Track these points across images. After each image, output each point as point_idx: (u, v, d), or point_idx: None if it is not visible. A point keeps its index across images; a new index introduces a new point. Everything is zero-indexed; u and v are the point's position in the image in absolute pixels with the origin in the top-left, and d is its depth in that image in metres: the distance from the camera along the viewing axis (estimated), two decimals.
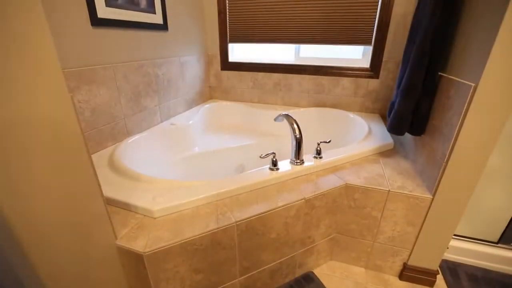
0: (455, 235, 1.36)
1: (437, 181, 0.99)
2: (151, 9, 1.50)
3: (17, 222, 0.53)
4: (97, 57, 1.23)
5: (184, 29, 1.84)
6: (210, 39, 2.14)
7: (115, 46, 1.31)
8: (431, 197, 1.02)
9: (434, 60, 1.03)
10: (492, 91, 0.81)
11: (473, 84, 0.82)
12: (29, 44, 0.50)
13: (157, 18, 1.56)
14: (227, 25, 2.06)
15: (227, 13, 2.02)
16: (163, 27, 1.62)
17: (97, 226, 0.73)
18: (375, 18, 1.72)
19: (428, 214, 1.05)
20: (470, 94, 0.83)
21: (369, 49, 1.84)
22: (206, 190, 0.97)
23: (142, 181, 1.03)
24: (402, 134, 1.19)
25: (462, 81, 0.89)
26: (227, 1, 1.99)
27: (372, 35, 1.76)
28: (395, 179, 1.12)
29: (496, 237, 1.30)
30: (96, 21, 1.19)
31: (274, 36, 1.96)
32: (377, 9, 1.69)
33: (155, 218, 0.88)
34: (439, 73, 1.07)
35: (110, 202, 0.94)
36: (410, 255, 1.16)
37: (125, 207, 0.92)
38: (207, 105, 2.10)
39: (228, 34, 2.07)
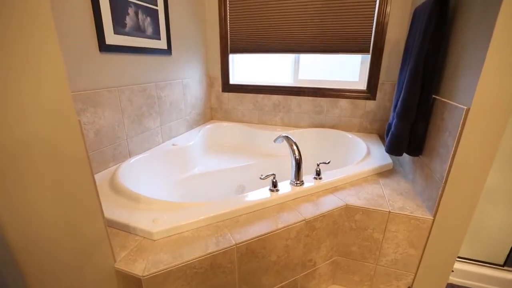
0: (459, 257, 1.33)
1: (437, 202, 0.99)
2: (156, 35, 1.58)
3: (15, 240, 0.53)
4: (103, 81, 1.27)
5: (187, 53, 1.92)
6: (212, 62, 2.22)
7: (121, 70, 1.36)
8: (432, 218, 1.01)
9: (427, 83, 1.07)
10: (485, 113, 0.84)
11: (465, 107, 0.85)
12: (42, 71, 0.53)
13: (162, 44, 1.64)
14: (228, 48, 2.15)
15: (229, 34, 2.12)
16: (167, 52, 1.69)
17: (97, 249, 0.73)
18: (372, 27, 1.77)
19: (430, 235, 1.04)
20: (463, 116, 0.86)
21: (366, 71, 1.91)
22: (206, 211, 0.97)
23: (142, 202, 1.03)
24: (400, 155, 1.20)
25: (455, 104, 0.92)
26: (228, 27, 2.09)
27: (370, 43, 1.81)
28: (395, 199, 1.12)
29: (501, 260, 1.28)
30: (104, 47, 1.25)
31: (274, 47, 2.01)
32: (373, 18, 1.75)
33: (154, 240, 0.88)
34: (433, 96, 1.11)
35: (110, 223, 0.93)
36: (414, 278, 1.14)
37: (125, 228, 0.92)
38: (208, 126, 2.14)
39: (228, 48, 2.14)
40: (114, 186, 1.14)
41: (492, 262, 1.29)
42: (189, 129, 2.06)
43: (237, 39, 2.09)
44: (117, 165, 1.37)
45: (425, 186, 1.11)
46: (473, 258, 1.31)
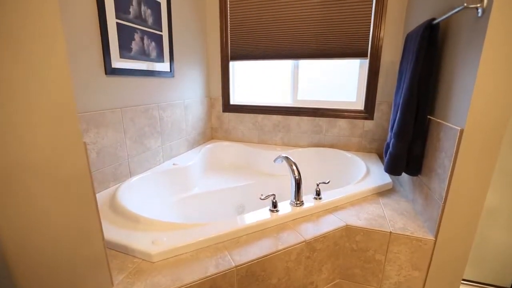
0: (464, 279, 1.30)
1: (438, 222, 0.98)
2: (160, 59, 1.65)
3: (12, 259, 0.53)
4: (108, 102, 1.31)
5: (189, 75, 1.98)
6: (213, 83, 2.29)
7: (125, 92, 1.41)
8: (434, 239, 1.01)
9: (421, 105, 1.11)
10: (479, 134, 0.86)
11: (459, 128, 0.88)
12: (51, 96, 0.55)
13: (165, 66, 1.70)
14: (229, 61, 2.22)
15: (229, 54, 2.20)
16: (170, 74, 1.75)
17: (94, 271, 0.72)
18: (369, 32, 1.82)
19: (433, 256, 1.03)
20: (458, 137, 0.88)
21: (363, 91, 1.96)
22: (205, 232, 0.96)
23: (142, 223, 1.02)
24: (399, 174, 1.21)
25: (449, 125, 0.95)
26: (229, 49, 2.17)
27: (368, 48, 1.86)
28: (396, 220, 1.12)
29: (508, 282, 1.25)
30: (110, 71, 1.30)
31: (273, 54, 2.06)
32: (370, 23, 1.81)
33: (153, 263, 0.87)
34: (428, 117, 1.14)
35: (108, 244, 0.92)
36: None
37: (124, 250, 0.91)
38: (208, 146, 2.16)
39: (229, 55, 2.19)
40: (114, 206, 1.14)
41: (499, 285, 1.26)
42: (190, 149, 2.08)
43: (237, 46, 2.15)
44: (118, 185, 1.38)
45: (425, 206, 1.11)
46: (479, 281, 1.28)
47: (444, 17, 0.94)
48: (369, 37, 1.83)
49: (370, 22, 1.81)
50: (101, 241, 0.72)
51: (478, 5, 0.79)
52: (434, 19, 1.04)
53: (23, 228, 0.54)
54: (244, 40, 2.11)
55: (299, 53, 2.00)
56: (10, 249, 0.52)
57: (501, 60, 0.79)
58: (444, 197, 0.95)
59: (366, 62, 1.91)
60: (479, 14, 0.80)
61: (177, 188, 1.65)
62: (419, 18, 1.41)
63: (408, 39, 1.29)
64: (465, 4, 0.81)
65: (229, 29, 2.13)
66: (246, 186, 1.84)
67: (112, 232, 0.97)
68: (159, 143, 1.70)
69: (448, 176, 0.93)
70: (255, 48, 2.10)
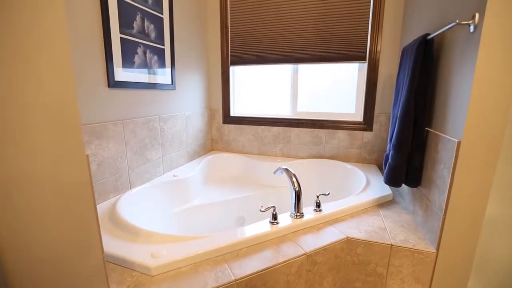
0: None
1: (439, 234, 0.98)
2: (162, 72, 1.68)
3: (10, 267, 0.52)
4: (110, 114, 1.33)
5: (190, 87, 2.02)
6: (214, 95, 2.32)
7: (127, 104, 1.43)
8: (435, 251, 1.00)
9: (419, 117, 1.12)
10: (476, 146, 0.87)
11: (456, 140, 0.89)
12: (55, 109, 0.57)
13: (167, 79, 1.73)
14: (229, 76, 2.26)
15: (229, 54, 2.24)
16: (172, 86, 1.78)
17: (92, 285, 0.71)
18: (367, 36, 1.85)
19: (435, 269, 1.01)
20: (455, 149, 0.89)
21: (361, 103, 1.98)
22: (205, 245, 0.96)
23: (141, 235, 1.02)
24: (399, 186, 1.21)
25: (447, 136, 0.96)
26: (229, 56, 2.22)
27: (366, 51, 1.88)
28: (397, 232, 1.11)
29: None
30: (113, 83, 1.32)
31: (274, 58, 2.10)
32: (368, 28, 1.84)
33: (152, 276, 0.86)
34: (426, 128, 1.15)
35: (107, 257, 0.92)
36: None
37: (122, 263, 0.90)
38: (208, 157, 2.17)
39: (229, 61, 2.22)
40: (113, 218, 1.14)
41: None
42: (190, 160, 2.08)
43: (237, 51, 2.18)
44: (117, 196, 1.38)
45: (425, 218, 1.10)
46: None
47: (437, 32, 0.97)
48: (366, 47, 1.87)
49: (367, 37, 1.86)
50: (101, 254, 0.72)
51: (470, 21, 0.82)
52: (428, 34, 1.08)
53: (22, 239, 0.54)
54: (245, 46, 2.15)
55: (298, 57, 2.03)
56: (8, 260, 0.52)
57: (495, 74, 0.81)
58: (444, 209, 0.95)
59: (364, 69, 1.95)
60: (471, 30, 0.83)
61: (177, 200, 1.64)
62: (415, 33, 1.45)
63: (404, 53, 1.32)
64: (458, 21, 0.84)
65: (229, 36, 2.18)
66: (246, 198, 1.83)
67: (111, 244, 0.96)
68: (159, 155, 1.71)
69: (448, 188, 0.93)
70: (255, 53, 2.13)
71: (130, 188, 1.47)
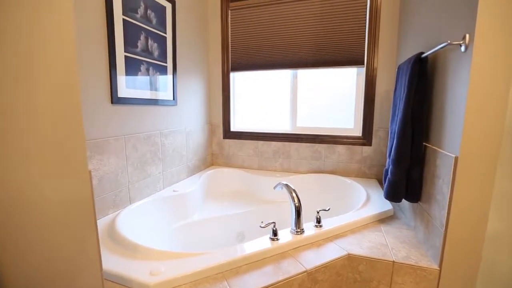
0: None
1: (441, 250, 0.97)
2: (164, 88, 1.72)
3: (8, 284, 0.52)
4: (112, 130, 1.35)
5: (191, 102, 2.05)
6: (214, 110, 2.36)
7: (129, 119, 1.45)
8: (438, 268, 0.98)
9: (417, 132, 1.14)
10: (473, 161, 0.88)
11: (454, 155, 0.90)
12: (61, 121, 0.58)
13: (169, 95, 1.77)
14: (230, 97, 2.30)
15: (230, 74, 2.29)
16: (173, 102, 1.81)
17: None
18: (364, 41, 1.90)
19: (439, 287, 0.99)
20: (453, 164, 0.90)
21: (360, 118, 2.01)
22: (205, 262, 0.94)
23: (140, 252, 1.01)
24: (399, 201, 1.21)
25: (444, 152, 0.97)
26: (230, 81, 2.27)
27: (364, 56, 1.92)
28: (399, 248, 1.10)
29: None
30: (116, 100, 1.35)
31: (274, 64, 2.14)
32: (365, 33, 1.89)
33: None
34: (424, 144, 1.16)
35: (105, 274, 0.90)
36: None
37: (121, 281, 0.89)
38: (208, 172, 2.17)
39: (230, 64, 2.27)
40: (112, 234, 1.13)
41: None
42: (190, 175, 2.08)
43: (238, 61, 2.24)
44: (117, 212, 1.37)
45: (427, 234, 1.09)
46: None
47: (431, 51, 1.01)
48: (364, 53, 1.93)
49: (364, 53, 1.91)
50: (99, 271, 0.71)
51: (461, 42, 0.85)
52: (422, 53, 1.12)
53: (21, 257, 0.54)
54: (245, 56, 2.20)
55: (298, 61, 2.07)
56: (6, 274, 0.51)
57: (488, 90, 0.83)
58: (445, 224, 0.95)
59: (362, 85, 1.99)
60: (463, 50, 0.86)
61: (177, 215, 1.63)
62: (409, 51, 1.50)
63: (399, 70, 1.36)
64: (449, 41, 0.87)
65: (230, 52, 2.25)
66: (246, 213, 1.82)
67: (110, 261, 0.95)
68: (160, 170, 1.72)
69: (448, 203, 0.93)
70: (256, 61, 2.18)
71: (130, 203, 1.47)
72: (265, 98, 2.29)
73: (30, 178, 0.54)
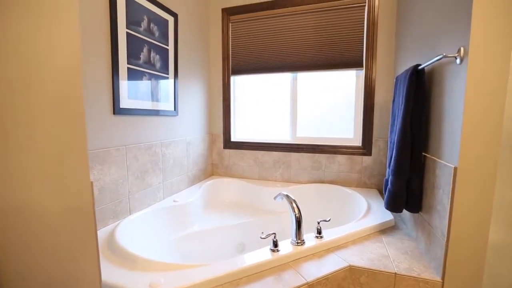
0: None
1: (443, 262, 0.96)
2: (165, 99, 1.74)
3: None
4: (113, 140, 1.36)
5: (192, 113, 2.07)
6: (215, 120, 2.38)
7: (130, 130, 1.46)
8: (441, 280, 0.97)
9: (416, 142, 1.15)
10: (473, 171, 0.88)
11: (453, 166, 0.90)
12: (64, 132, 0.59)
13: (170, 106, 1.79)
14: (231, 107, 2.33)
15: (230, 85, 2.31)
16: (174, 113, 1.83)
17: None
18: (363, 44, 1.93)
19: None
20: (452, 174, 0.90)
21: (360, 128, 2.03)
22: (204, 274, 0.93)
23: (140, 263, 1.00)
24: (400, 211, 1.21)
25: (444, 162, 0.98)
26: (231, 91, 2.30)
27: (362, 59, 1.95)
28: (401, 260, 1.08)
29: None
30: (118, 110, 1.37)
31: (274, 67, 2.17)
32: (363, 44, 1.93)
33: None
34: (423, 154, 1.17)
35: (104, 286, 0.89)
36: None
37: None
38: (208, 182, 2.17)
39: (231, 69, 2.29)
40: (111, 245, 1.12)
41: None
42: (191, 185, 2.08)
43: (238, 60, 2.27)
44: (116, 222, 1.36)
45: (429, 245, 1.08)
46: None
47: (427, 64, 1.03)
48: (363, 58, 1.95)
49: (363, 63, 1.95)
50: (98, 283, 0.71)
51: (456, 54, 0.88)
52: (419, 64, 1.14)
53: (19, 266, 0.54)
54: (245, 60, 2.24)
55: (298, 65, 2.11)
56: (4, 286, 0.51)
57: (484, 101, 0.85)
58: (446, 235, 0.94)
59: (361, 94, 2.01)
60: (458, 62, 0.88)
61: (177, 226, 1.62)
62: (407, 62, 1.53)
63: (397, 81, 1.38)
64: (444, 54, 0.89)
65: (231, 62, 2.28)
66: (247, 224, 1.80)
67: (109, 272, 0.94)
68: (160, 180, 1.72)
69: (448, 213, 0.93)
70: (256, 63, 2.22)
71: (130, 214, 1.46)
72: (266, 108, 2.32)
73: (32, 188, 0.54)
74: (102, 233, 1.25)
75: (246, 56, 2.24)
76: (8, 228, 0.51)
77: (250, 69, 2.24)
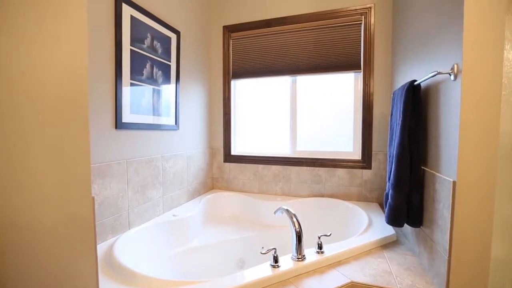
0: None
1: (446, 278, 0.94)
2: (167, 113, 1.77)
3: None
4: (115, 154, 1.37)
5: (192, 127, 2.10)
6: (215, 134, 2.40)
7: (131, 144, 1.48)
8: None
9: (414, 156, 1.16)
10: (472, 185, 0.89)
11: (452, 180, 0.91)
12: (68, 148, 0.61)
13: (171, 120, 1.82)
14: (231, 125, 2.35)
15: (231, 113, 2.35)
16: (175, 127, 1.85)
17: None
18: (360, 48, 1.97)
19: None
20: (452, 188, 0.91)
21: (359, 141, 2.04)
22: None
23: (138, 279, 0.98)
24: (401, 226, 1.20)
25: (443, 176, 0.98)
26: (231, 106, 2.34)
27: (360, 62, 1.98)
28: (403, 276, 1.07)
29: None
30: (120, 125, 1.39)
31: (274, 70, 2.20)
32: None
33: None
34: (423, 167, 1.18)
35: None
36: None
37: None
38: (208, 196, 2.16)
39: (231, 73, 2.33)
40: (110, 261, 1.11)
41: None
42: (191, 199, 2.07)
43: (239, 66, 2.31)
44: (115, 237, 1.35)
45: (431, 260, 1.07)
46: None
47: (422, 80, 1.06)
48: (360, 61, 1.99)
49: (360, 79, 1.99)
50: None
51: (450, 71, 0.90)
52: (415, 80, 1.17)
53: (19, 281, 0.53)
54: (245, 68, 2.29)
55: (297, 69, 2.15)
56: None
57: (479, 118, 0.86)
58: (448, 250, 0.93)
59: (359, 108, 2.04)
60: (452, 79, 0.91)
61: (176, 241, 1.60)
62: (404, 77, 1.56)
63: (394, 96, 1.41)
64: (438, 71, 0.92)
65: (231, 77, 2.33)
66: (247, 238, 1.78)
67: None
68: (160, 194, 1.71)
69: (449, 228, 0.92)
70: (256, 71, 2.27)
71: (129, 228, 1.45)
72: (266, 122, 2.34)
73: (33, 203, 0.55)
74: (101, 248, 1.24)
75: (246, 68, 2.30)
76: (7, 241, 0.51)
77: (251, 73, 2.29)
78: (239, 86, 2.40)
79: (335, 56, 2.04)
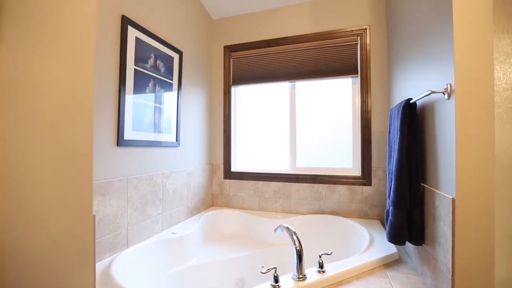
0: None
1: None
2: (168, 130, 1.79)
3: None
4: (116, 171, 1.38)
5: (193, 144, 2.11)
6: (215, 151, 2.41)
7: (132, 161, 1.49)
8: None
9: (413, 173, 1.17)
10: (471, 201, 0.89)
11: (451, 197, 0.91)
12: (73, 166, 0.62)
13: (172, 137, 1.84)
14: (231, 141, 2.37)
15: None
16: (176, 144, 1.87)
17: None
18: (357, 53, 2.02)
19: None
20: (451, 205, 0.91)
21: (358, 158, 2.05)
22: None
23: None
24: (403, 244, 1.19)
25: (442, 193, 0.98)
26: (232, 122, 2.37)
27: (357, 67, 2.04)
28: None
29: None
30: (122, 142, 1.41)
31: (273, 76, 2.25)
32: (357, 44, 2.02)
33: None
34: (422, 184, 1.18)
35: None
36: None
37: None
38: (208, 213, 2.14)
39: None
40: (107, 281, 1.08)
41: None
42: (190, 216, 2.05)
43: (239, 72, 2.36)
44: (113, 256, 1.33)
45: (435, 280, 1.05)
46: None
47: (417, 98, 1.09)
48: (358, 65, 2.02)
49: (358, 97, 2.03)
50: None
51: (443, 90, 0.93)
52: (411, 98, 1.20)
53: None
54: (246, 67, 2.35)
55: (297, 74, 2.20)
56: None
57: (474, 135, 0.88)
58: (451, 269, 0.92)
59: (358, 126, 2.06)
60: (446, 98, 0.94)
61: (175, 259, 1.57)
62: (400, 95, 1.60)
63: (391, 114, 1.44)
64: (431, 90, 0.95)
65: (232, 94, 2.37)
66: (247, 257, 1.75)
67: None
68: (159, 211, 1.70)
69: (451, 246, 0.91)
70: (256, 78, 2.32)
71: (127, 247, 1.43)
72: (266, 139, 2.36)
73: (37, 220, 0.55)
74: (98, 267, 1.21)
75: (246, 75, 2.36)
76: (6, 258, 0.51)
77: (250, 80, 2.35)
78: (239, 103, 2.45)
79: (333, 70, 2.11)
